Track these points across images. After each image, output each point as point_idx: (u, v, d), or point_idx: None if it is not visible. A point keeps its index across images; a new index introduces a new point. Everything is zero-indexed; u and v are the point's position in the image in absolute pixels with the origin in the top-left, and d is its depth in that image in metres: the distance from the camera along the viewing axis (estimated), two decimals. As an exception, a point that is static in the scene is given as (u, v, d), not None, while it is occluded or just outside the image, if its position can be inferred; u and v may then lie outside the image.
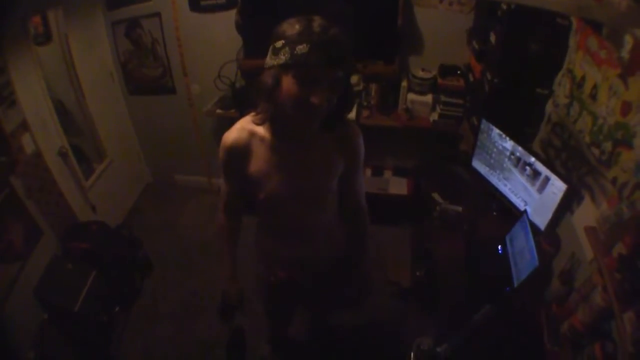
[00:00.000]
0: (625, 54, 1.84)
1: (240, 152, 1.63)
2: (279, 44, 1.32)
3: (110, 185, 4.21)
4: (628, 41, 1.81)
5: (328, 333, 3.09)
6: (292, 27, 1.31)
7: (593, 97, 2.13)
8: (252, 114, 1.60)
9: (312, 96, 1.32)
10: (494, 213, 3.04)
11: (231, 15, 3.54)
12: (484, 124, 2.98)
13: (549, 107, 2.70)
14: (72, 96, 3.99)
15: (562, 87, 2.52)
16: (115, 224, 3.88)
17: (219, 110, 3.91)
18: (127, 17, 3.91)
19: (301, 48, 1.27)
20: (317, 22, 1.30)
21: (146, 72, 4.21)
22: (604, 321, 1.80)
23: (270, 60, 1.37)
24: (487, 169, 3.09)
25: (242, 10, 3.44)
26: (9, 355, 2.69)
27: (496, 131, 2.87)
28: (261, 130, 1.61)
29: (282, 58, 1.31)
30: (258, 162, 1.63)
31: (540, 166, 2.54)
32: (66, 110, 4.03)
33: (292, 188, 1.67)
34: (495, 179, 3.03)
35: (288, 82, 1.34)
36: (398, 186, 4.09)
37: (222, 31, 3.71)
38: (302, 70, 1.30)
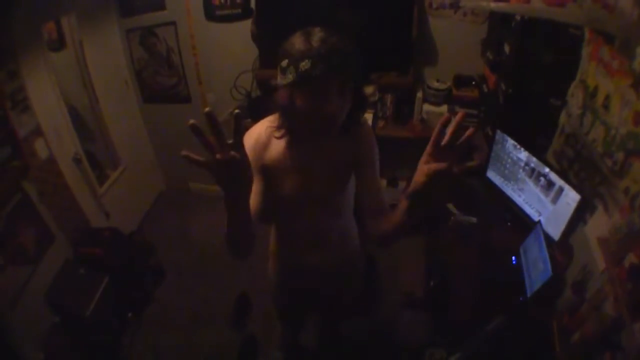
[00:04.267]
0: (636, 65, 1.83)
1: (263, 144, 1.66)
2: (284, 63, 1.36)
3: (124, 192, 4.24)
4: (639, 53, 1.81)
5: (340, 341, 3.08)
6: (293, 45, 1.36)
7: (606, 107, 2.11)
8: (272, 121, 1.65)
9: (324, 107, 1.36)
10: (508, 224, 3.01)
11: (247, 25, 3.58)
12: (499, 135, 2.97)
13: (562, 118, 2.68)
14: (86, 102, 4.02)
15: (575, 97, 2.50)
16: (129, 231, 3.91)
17: (234, 120, 3.90)
18: (142, 25, 3.97)
19: (304, 64, 1.32)
20: (316, 35, 1.34)
21: (161, 80, 4.26)
22: (615, 331, 1.78)
23: (280, 80, 1.41)
24: (502, 179, 3.07)
25: (258, 20, 3.47)
26: (18, 357, 2.71)
27: (511, 142, 2.86)
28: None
29: (290, 77, 1.35)
30: (277, 156, 1.66)
31: (554, 177, 2.53)
32: (80, 116, 4.06)
33: (306, 189, 1.70)
34: (509, 190, 3.02)
35: (300, 98, 1.38)
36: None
37: (238, 41, 3.74)
38: (309, 85, 1.35)
